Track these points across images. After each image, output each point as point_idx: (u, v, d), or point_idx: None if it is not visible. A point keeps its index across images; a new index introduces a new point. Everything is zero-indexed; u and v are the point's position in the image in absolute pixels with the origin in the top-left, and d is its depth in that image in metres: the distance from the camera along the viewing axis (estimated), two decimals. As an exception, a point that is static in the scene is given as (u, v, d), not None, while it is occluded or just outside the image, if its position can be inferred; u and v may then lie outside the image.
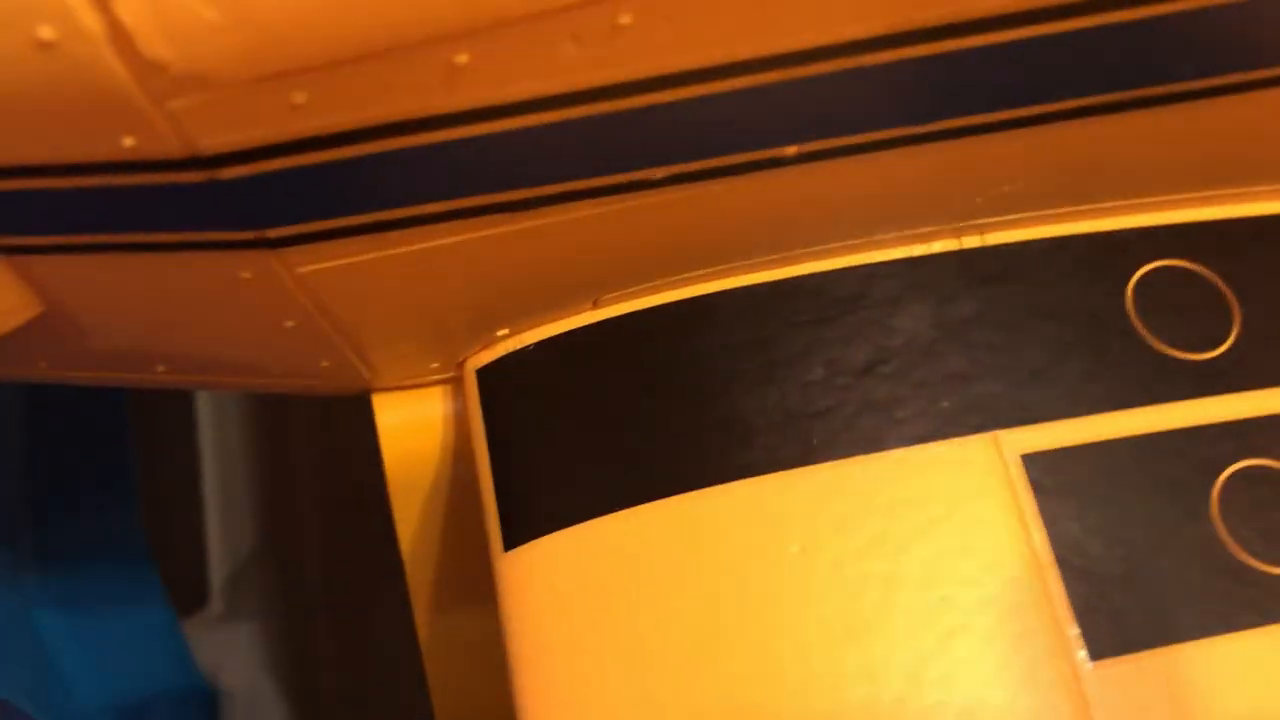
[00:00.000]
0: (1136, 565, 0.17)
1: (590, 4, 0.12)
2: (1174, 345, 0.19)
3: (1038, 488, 0.18)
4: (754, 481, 0.18)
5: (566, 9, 0.12)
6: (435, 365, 0.20)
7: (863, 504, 0.18)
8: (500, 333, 0.19)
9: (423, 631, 0.24)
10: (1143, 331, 0.19)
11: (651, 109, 0.14)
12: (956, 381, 0.18)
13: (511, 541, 0.19)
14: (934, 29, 0.15)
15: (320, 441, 0.37)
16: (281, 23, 0.12)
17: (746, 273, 0.19)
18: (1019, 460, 0.18)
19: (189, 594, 0.37)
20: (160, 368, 0.20)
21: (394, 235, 0.16)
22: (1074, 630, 0.17)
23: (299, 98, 0.13)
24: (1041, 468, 0.18)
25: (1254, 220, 0.20)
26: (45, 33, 0.12)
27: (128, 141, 0.13)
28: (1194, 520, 0.18)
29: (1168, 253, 0.20)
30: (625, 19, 0.12)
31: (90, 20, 0.12)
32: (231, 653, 0.38)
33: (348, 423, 0.35)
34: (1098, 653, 0.17)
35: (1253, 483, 0.18)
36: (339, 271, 0.16)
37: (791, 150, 0.16)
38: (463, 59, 0.13)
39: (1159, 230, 0.20)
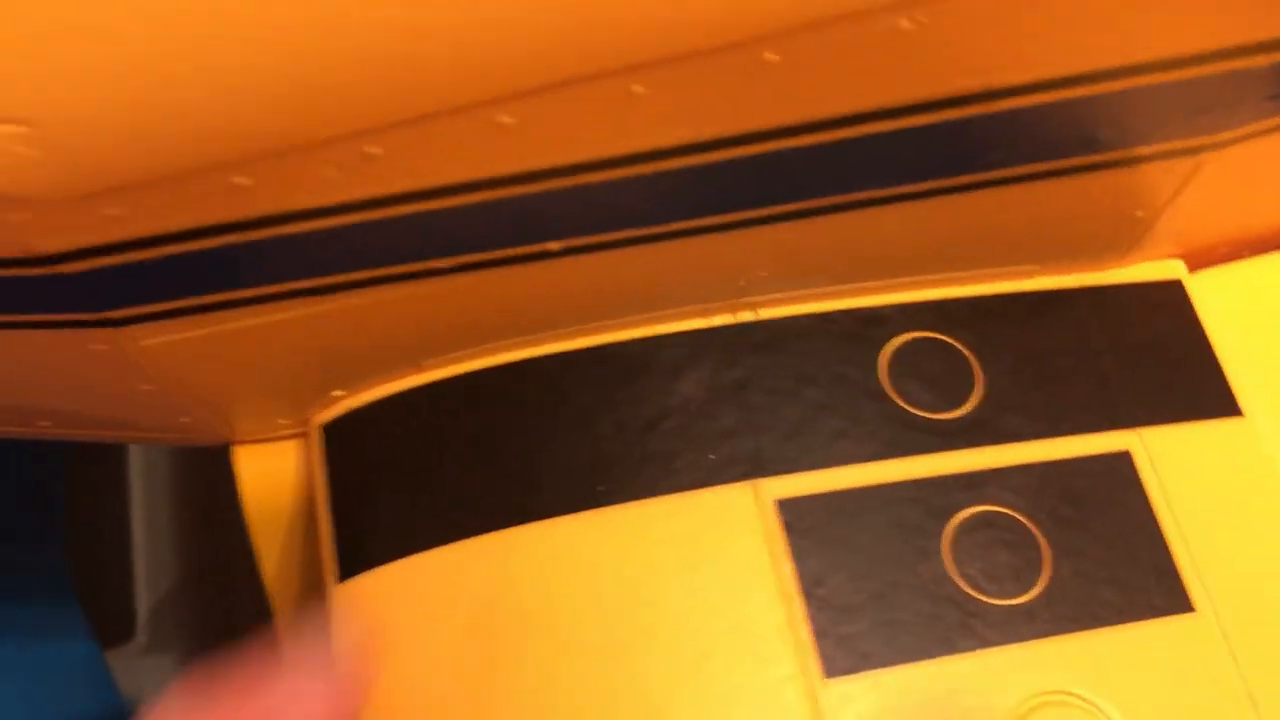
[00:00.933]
0: (874, 596, 0.20)
1: (340, 140, 0.15)
2: (920, 407, 0.22)
3: (789, 529, 0.20)
4: (549, 523, 0.21)
5: (324, 144, 0.15)
6: (285, 422, 0.23)
7: (637, 541, 0.20)
8: (337, 393, 0.22)
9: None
10: (893, 395, 0.22)
11: (416, 215, 0.17)
12: (726, 437, 0.21)
13: (345, 573, 0.21)
14: (690, 146, 0.18)
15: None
16: (88, 157, 0.15)
17: (552, 341, 0.22)
18: (774, 504, 0.21)
19: (115, 627, 0.40)
20: (44, 422, 0.22)
21: (221, 314, 0.19)
22: (814, 652, 0.20)
23: (113, 210, 0.16)
24: (794, 511, 0.21)
25: (999, 297, 0.23)
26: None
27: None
28: (926, 558, 0.21)
29: (920, 325, 0.22)
30: (374, 150, 0.15)
31: None
32: (156, 682, 0.40)
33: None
34: (833, 671, 0.20)
35: (980, 526, 0.21)
36: (179, 344, 0.19)
37: (555, 246, 0.19)
38: (243, 181, 0.16)
39: (913, 305, 0.23)
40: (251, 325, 0.19)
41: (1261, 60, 0.19)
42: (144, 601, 0.40)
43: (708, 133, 0.17)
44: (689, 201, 0.19)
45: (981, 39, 0.17)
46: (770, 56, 0.16)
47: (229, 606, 0.38)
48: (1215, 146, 0.21)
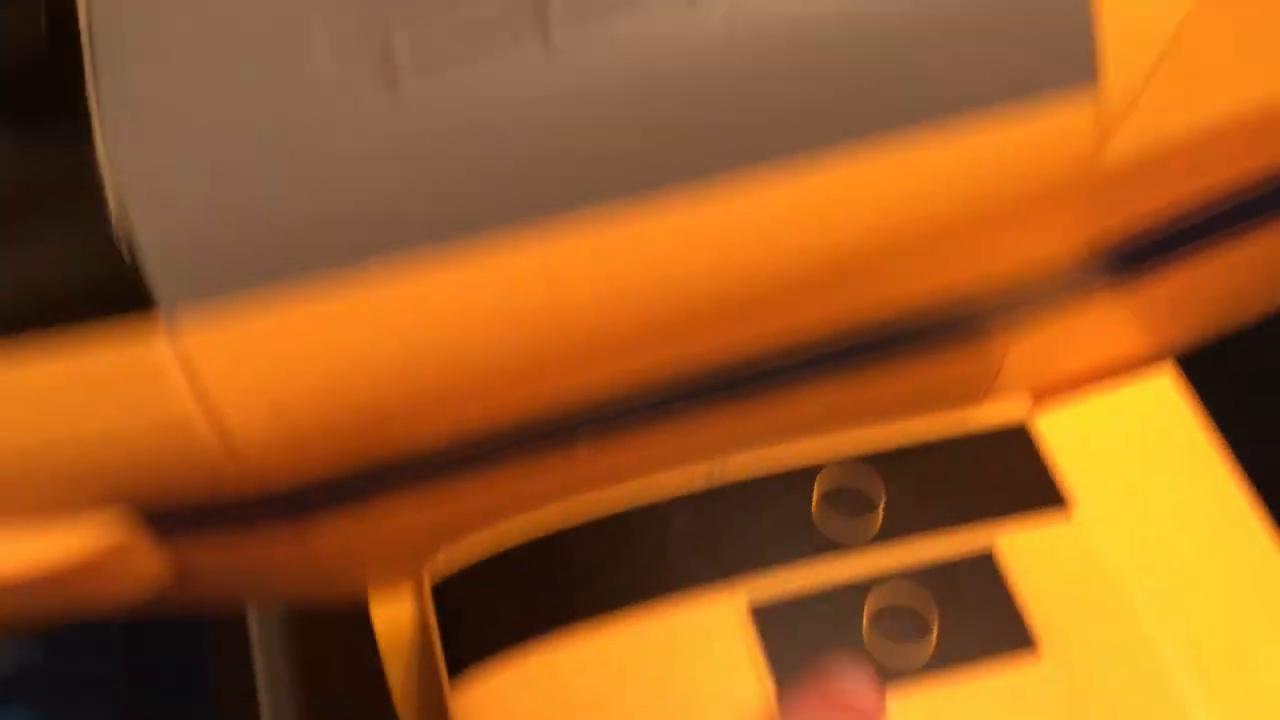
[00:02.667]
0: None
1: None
2: (839, 528, 0.31)
3: (758, 619, 0.30)
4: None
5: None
6: (405, 578, 0.33)
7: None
8: (440, 552, 0.32)
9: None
10: (818, 519, 0.31)
11: (501, 434, 0.27)
12: (708, 557, 0.31)
13: (455, 670, 0.31)
14: (680, 369, 0.28)
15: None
16: (308, 420, 0.25)
17: (592, 501, 0.32)
18: (745, 603, 0.30)
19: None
20: (232, 600, 0.32)
21: (381, 510, 0.29)
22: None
23: (318, 458, 0.26)
24: (762, 609, 0.30)
25: (901, 441, 0.33)
26: (187, 435, 0.25)
27: (227, 485, 0.26)
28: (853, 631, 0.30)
29: (840, 466, 0.32)
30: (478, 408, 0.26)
31: (209, 429, 0.25)
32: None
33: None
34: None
35: (886, 612, 0.30)
36: (343, 535, 0.29)
37: (581, 442, 0.29)
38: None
39: (837, 451, 0.32)
40: (404, 513, 0.29)
41: (1056, 269, 0.29)
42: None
43: (677, 364, 0.28)
44: (668, 404, 0.29)
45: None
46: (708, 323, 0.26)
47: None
48: (1023, 326, 0.31)
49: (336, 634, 0.48)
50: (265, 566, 0.30)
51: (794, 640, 0.29)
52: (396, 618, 0.33)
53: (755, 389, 0.30)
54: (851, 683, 0.27)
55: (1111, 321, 0.33)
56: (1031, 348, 0.32)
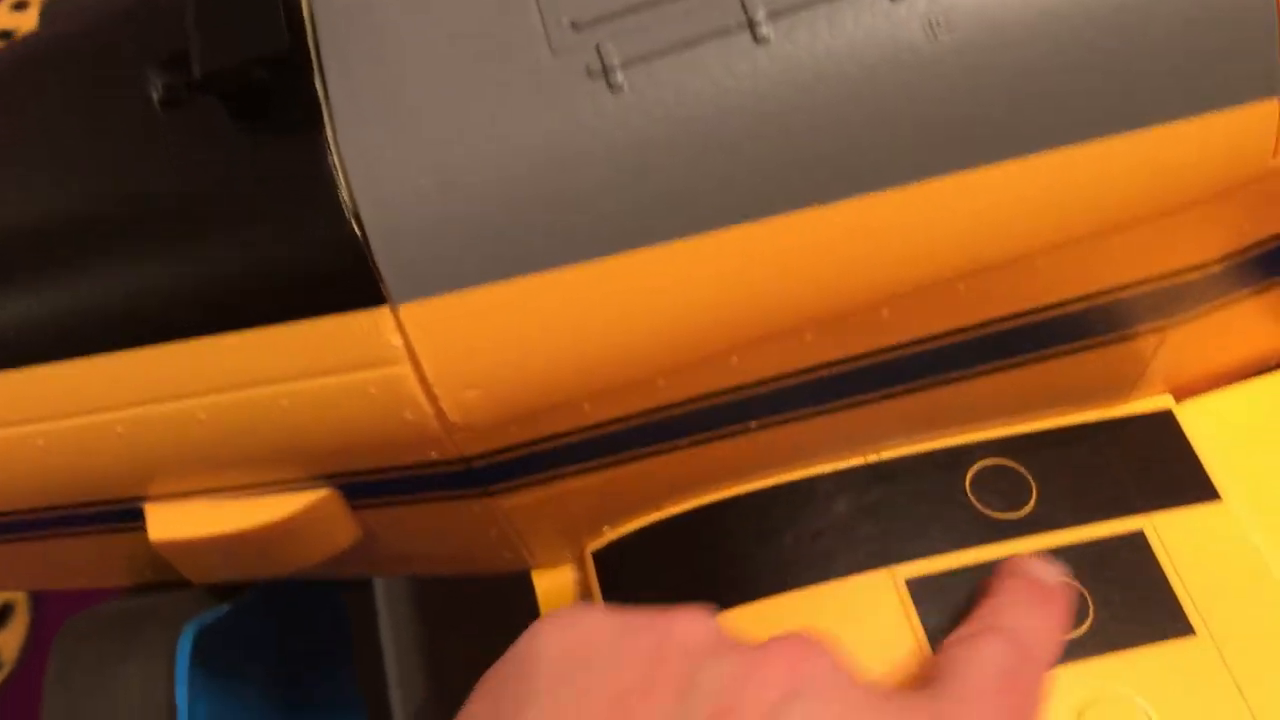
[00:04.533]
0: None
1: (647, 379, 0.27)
2: (993, 508, 0.32)
3: (915, 595, 0.31)
4: (759, 603, 0.32)
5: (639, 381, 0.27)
6: (567, 553, 0.34)
7: (819, 612, 0.31)
8: (606, 529, 0.33)
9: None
10: (975, 503, 0.32)
11: (685, 414, 0.29)
12: (866, 540, 0.32)
13: None
14: (836, 361, 0.29)
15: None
16: (509, 402, 0.27)
17: (748, 483, 0.33)
18: (904, 583, 0.31)
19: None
20: (417, 565, 0.34)
21: (558, 483, 0.30)
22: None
23: (516, 428, 0.27)
24: (919, 585, 0.31)
25: (1044, 432, 0.34)
26: (409, 415, 0.26)
27: (433, 455, 0.28)
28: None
29: (992, 454, 0.33)
30: (664, 382, 0.27)
31: (429, 408, 0.26)
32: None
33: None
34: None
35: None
36: (527, 504, 0.31)
37: (754, 424, 0.30)
38: (591, 407, 0.27)
39: (986, 442, 0.33)
40: (576, 488, 0.30)
41: (1212, 269, 0.30)
42: (399, 712, 0.51)
43: (848, 351, 0.29)
44: (837, 390, 0.31)
45: (1002, 286, 0.28)
46: (884, 313, 0.27)
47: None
48: (1175, 325, 0.32)
49: (461, 603, 0.50)
50: (442, 533, 0.32)
51: (947, 610, 0.30)
52: (558, 588, 0.35)
53: (918, 384, 0.31)
54: (1042, 569, 0.29)
55: (1259, 319, 0.34)
56: (1183, 343, 0.33)
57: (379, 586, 0.55)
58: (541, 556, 0.34)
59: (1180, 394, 0.35)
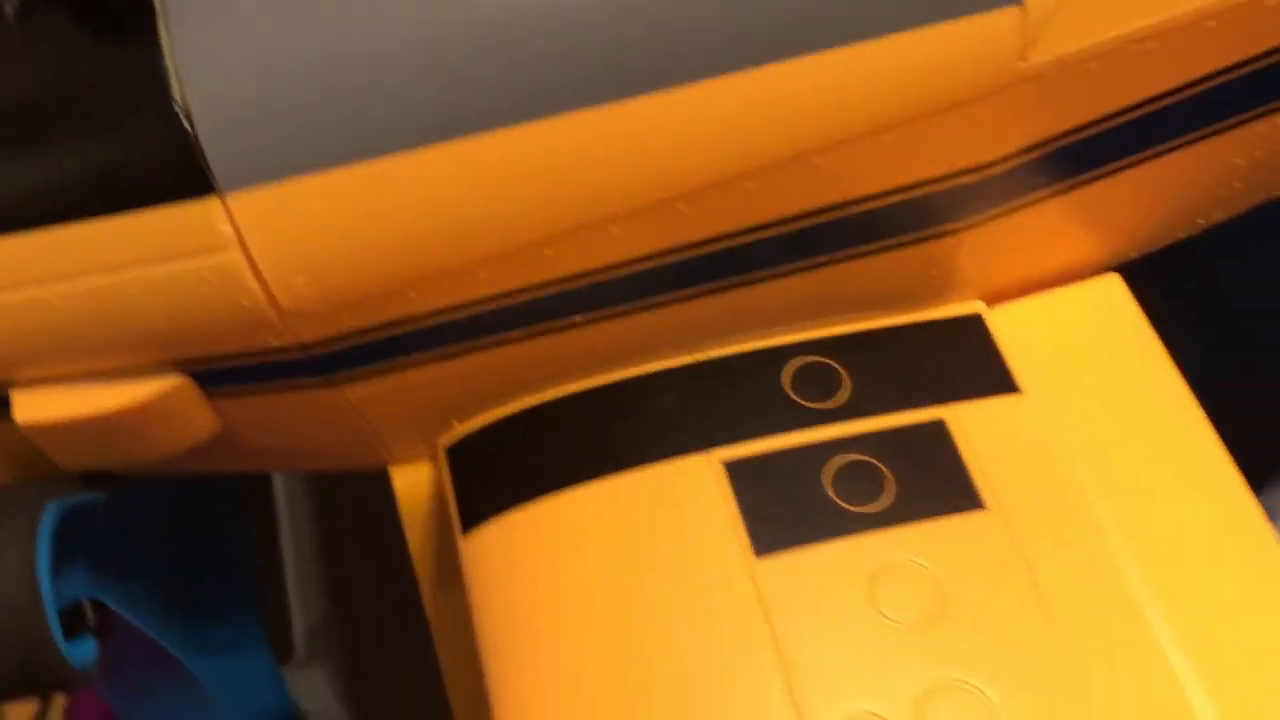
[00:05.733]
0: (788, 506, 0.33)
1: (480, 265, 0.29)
2: (808, 400, 0.35)
3: (732, 475, 0.34)
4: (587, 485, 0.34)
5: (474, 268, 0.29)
6: (423, 448, 0.37)
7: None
8: (455, 424, 0.36)
9: (440, 651, 0.39)
10: (791, 395, 0.35)
11: (526, 303, 0.31)
12: (689, 427, 0.35)
13: (465, 526, 0.35)
14: (658, 252, 0.32)
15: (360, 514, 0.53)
16: (340, 288, 0.29)
17: (591, 378, 0.36)
18: (721, 464, 0.34)
19: (279, 645, 0.53)
20: (271, 460, 0.36)
21: (401, 374, 0.33)
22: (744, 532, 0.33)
23: (350, 314, 0.30)
24: (736, 467, 0.34)
25: (865, 332, 0.37)
26: (243, 301, 0.29)
27: (272, 341, 0.30)
28: (818, 487, 0.34)
29: (810, 353, 0.36)
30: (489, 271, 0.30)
31: (261, 294, 0.29)
32: (312, 690, 0.54)
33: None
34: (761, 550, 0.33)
35: (848, 468, 0.34)
36: (375, 395, 0.33)
37: (580, 319, 0.33)
38: (421, 293, 0.30)
39: (807, 341, 0.36)
40: (417, 380, 0.33)
41: (990, 171, 0.33)
42: (299, 621, 0.54)
43: (655, 246, 0.32)
44: (652, 286, 0.33)
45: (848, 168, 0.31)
46: (682, 208, 0.30)
47: (383, 614, 0.52)
48: (969, 228, 0.35)
49: (355, 499, 0.53)
50: (299, 425, 0.35)
51: (762, 491, 0.33)
52: (414, 484, 0.38)
53: (729, 281, 0.34)
54: None
55: (1060, 225, 0.37)
56: (983, 248, 0.36)
57: (278, 485, 0.57)
58: (400, 453, 0.37)
59: (994, 301, 0.38)
